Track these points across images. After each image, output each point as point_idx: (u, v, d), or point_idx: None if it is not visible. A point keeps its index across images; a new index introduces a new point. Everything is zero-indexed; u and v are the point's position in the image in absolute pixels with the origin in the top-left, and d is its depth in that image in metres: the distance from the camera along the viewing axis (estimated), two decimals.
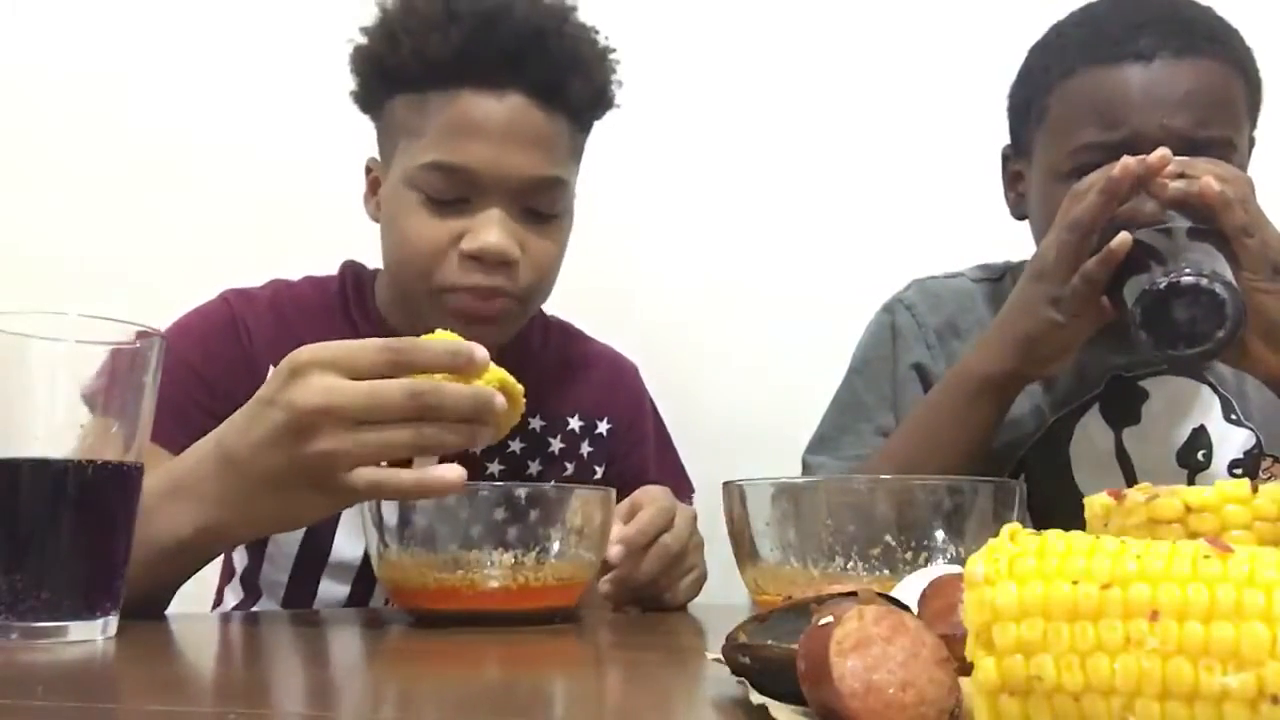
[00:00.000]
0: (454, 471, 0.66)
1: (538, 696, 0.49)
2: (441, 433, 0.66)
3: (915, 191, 1.50)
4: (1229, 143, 0.94)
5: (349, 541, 1.00)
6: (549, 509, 0.75)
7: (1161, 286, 0.78)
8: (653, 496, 0.91)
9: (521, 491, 0.76)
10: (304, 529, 0.98)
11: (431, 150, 0.93)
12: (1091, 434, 1.05)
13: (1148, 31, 0.95)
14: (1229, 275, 0.79)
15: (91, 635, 0.57)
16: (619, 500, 1.01)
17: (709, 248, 1.52)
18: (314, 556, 1.01)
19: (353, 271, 1.08)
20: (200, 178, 1.47)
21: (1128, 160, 0.85)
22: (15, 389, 0.58)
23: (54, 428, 0.58)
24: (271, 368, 0.91)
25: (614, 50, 1.01)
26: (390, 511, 0.75)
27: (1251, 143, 1.02)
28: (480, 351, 0.68)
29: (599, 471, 1.13)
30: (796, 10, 1.54)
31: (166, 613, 0.79)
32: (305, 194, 1.44)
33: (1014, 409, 0.99)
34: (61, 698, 0.42)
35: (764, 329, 1.50)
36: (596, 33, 0.99)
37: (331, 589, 1.02)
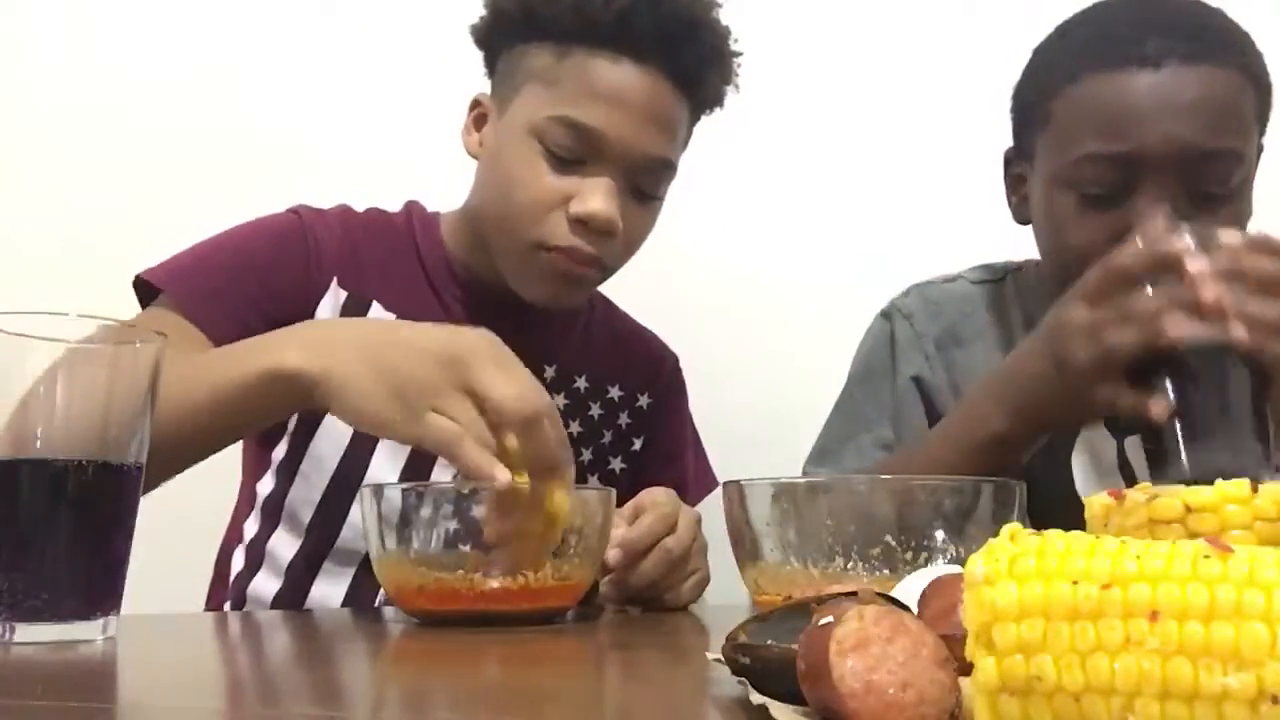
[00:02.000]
0: (504, 474, 0.69)
1: (538, 696, 0.49)
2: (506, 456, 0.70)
3: (931, 197, 1.50)
4: (1237, 154, 0.90)
5: (388, 461, 0.99)
6: None
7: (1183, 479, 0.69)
8: (656, 500, 0.91)
9: None
10: (345, 446, 1.00)
11: (564, 105, 0.94)
12: (1094, 442, 1.04)
13: (1155, 35, 0.91)
14: (1252, 464, 0.70)
15: (91, 635, 0.57)
16: (641, 485, 1.03)
17: (713, 248, 1.52)
18: (350, 476, 0.99)
19: (418, 210, 1.09)
20: (203, 178, 1.47)
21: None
22: (15, 389, 0.58)
23: (54, 427, 0.58)
24: (336, 281, 0.99)
25: (740, 55, 1.03)
26: (390, 511, 0.75)
27: (1260, 149, 0.99)
28: (567, 482, 0.72)
29: (636, 444, 1.15)
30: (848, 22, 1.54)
31: (166, 613, 0.79)
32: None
33: None
34: (61, 698, 0.42)
35: (773, 331, 1.50)
36: (731, 33, 1.02)
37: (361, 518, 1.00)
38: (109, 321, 0.61)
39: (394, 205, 1.12)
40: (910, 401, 1.06)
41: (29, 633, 0.55)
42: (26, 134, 1.47)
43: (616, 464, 1.13)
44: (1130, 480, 1.01)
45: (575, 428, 1.10)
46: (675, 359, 1.22)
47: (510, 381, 0.70)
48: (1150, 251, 0.76)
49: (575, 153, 0.94)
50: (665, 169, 0.99)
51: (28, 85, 1.48)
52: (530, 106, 0.96)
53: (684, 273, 1.50)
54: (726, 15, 1.01)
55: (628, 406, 1.14)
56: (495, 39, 1.02)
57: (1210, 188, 0.90)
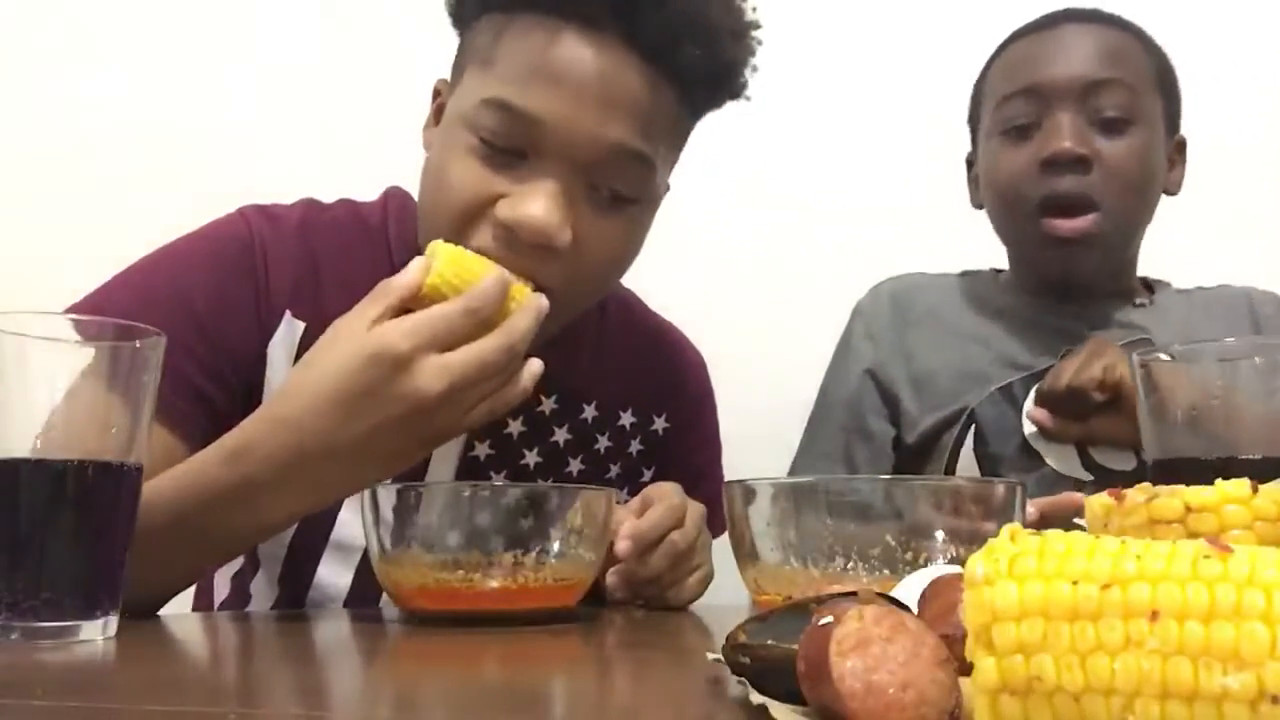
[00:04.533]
0: (535, 365, 0.73)
1: (538, 696, 0.49)
2: (525, 364, 0.73)
3: (926, 195, 1.49)
4: (1127, 86, 1.07)
5: (355, 519, 0.88)
6: (549, 509, 0.75)
7: None
8: (664, 493, 0.90)
9: (522, 492, 0.76)
10: None
11: (497, 86, 0.78)
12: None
13: (1063, 14, 1.12)
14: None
15: (91, 635, 0.57)
16: None
17: (717, 246, 1.52)
18: (312, 535, 0.91)
19: (398, 200, 0.94)
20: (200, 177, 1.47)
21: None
22: (15, 389, 0.58)
23: (54, 428, 0.58)
24: (289, 313, 0.86)
25: (757, 27, 0.84)
26: (390, 511, 0.75)
27: (1180, 146, 1.14)
28: (507, 274, 0.73)
29: (647, 475, 1.04)
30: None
31: (165, 613, 0.79)
32: None
33: (973, 364, 1.13)
34: (61, 698, 0.42)
35: (772, 328, 1.50)
36: (739, 1, 0.84)
37: (331, 576, 0.92)
38: (109, 321, 0.61)
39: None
40: (866, 391, 1.18)
41: (29, 632, 0.55)
42: (23, 131, 1.47)
43: (621, 497, 1.02)
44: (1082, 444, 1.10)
45: (576, 465, 0.99)
46: (701, 363, 1.10)
47: (453, 371, 0.69)
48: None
49: (511, 143, 0.78)
50: (634, 161, 0.80)
51: (23, 83, 1.48)
52: (467, 91, 0.81)
53: (683, 268, 1.49)
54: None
55: (640, 432, 1.03)
56: (457, 14, 0.87)
57: (1104, 113, 1.07)
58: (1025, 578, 0.30)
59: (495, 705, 0.45)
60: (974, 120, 1.21)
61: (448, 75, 0.88)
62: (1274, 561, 0.28)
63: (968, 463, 1.10)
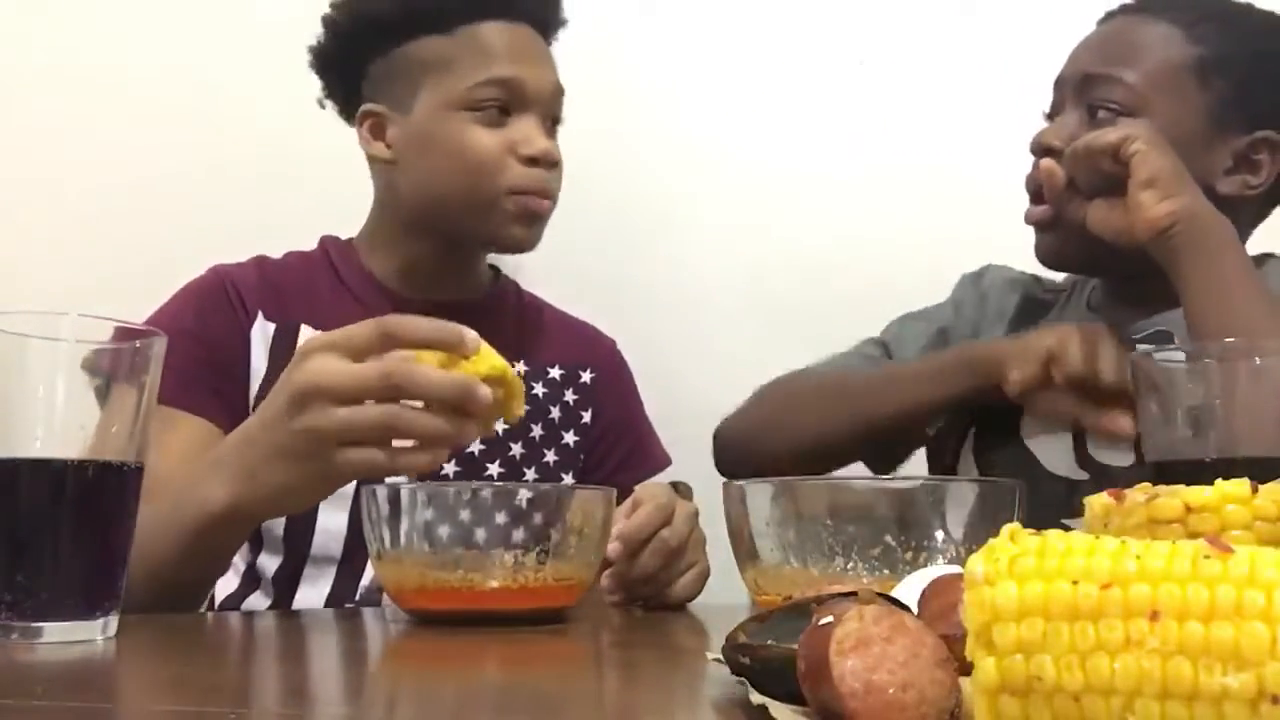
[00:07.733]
0: (423, 457, 0.71)
1: (538, 696, 0.49)
2: (416, 417, 0.69)
3: (919, 193, 1.49)
4: (1122, 83, 1.03)
5: None
6: (549, 509, 0.75)
7: None
8: (652, 493, 0.91)
9: (522, 492, 0.76)
10: None
11: (479, 71, 1.05)
12: (1054, 395, 1.04)
13: (1121, 7, 1.07)
14: None
15: (91, 635, 0.57)
16: (596, 458, 1.06)
17: (708, 240, 1.52)
18: None
19: (333, 241, 1.16)
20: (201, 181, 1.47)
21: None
22: (15, 389, 0.58)
23: (54, 428, 0.58)
24: (261, 315, 1.07)
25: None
26: (389, 511, 0.75)
27: (1257, 144, 1.01)
28: (470, 333, 0.70)
29: (585, 417, 1.18)
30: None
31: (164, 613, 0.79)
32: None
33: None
34: (61, 698, 0.42)
35: (766, 325, 1.49)
36: None
37: (331, 518, 1.01)
38: (109, 321, 0.61)
39: None
40: (930, 343, 1.15)
41: (29, 632, 0.55)
42: (24, 133, 1.47)
43: (569, 438, 1.15)
44: (1079, 431, 1.03)
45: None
46: (613, 341, 1.26)
47: (325, 372, 0.69)
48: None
49: (503, 105, 1.05)
50: (561, 95, 1.11)
51: (24, 86, 1.48)
52: (442, 90, 1.06)
53: (663, 271, 1.48)
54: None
55: (571, 383, 1.18)
56: (360, 52, 1.10)
57: (1098, 109, 1.03)
58: (1025, 577, 0.30)
59: (495, 705, 0.45)
60: None
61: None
62: (1274, 561, 0.28)
63: (966, 459, 1.09)
